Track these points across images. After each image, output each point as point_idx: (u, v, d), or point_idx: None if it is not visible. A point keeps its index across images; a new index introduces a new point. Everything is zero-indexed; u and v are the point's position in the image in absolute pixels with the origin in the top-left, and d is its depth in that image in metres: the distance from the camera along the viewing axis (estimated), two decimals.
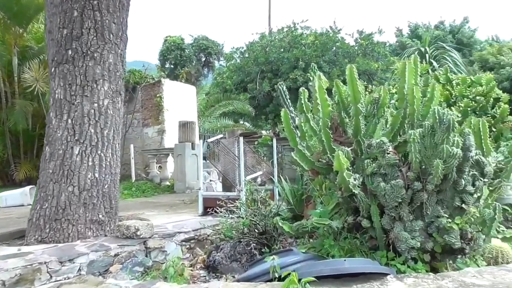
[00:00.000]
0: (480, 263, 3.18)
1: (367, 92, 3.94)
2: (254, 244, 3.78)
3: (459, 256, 3.16)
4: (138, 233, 3.83)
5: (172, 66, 28.66)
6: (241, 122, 20.68)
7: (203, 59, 30.60)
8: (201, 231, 4.27)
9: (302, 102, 3.67)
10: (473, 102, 4.37)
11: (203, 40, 29.52)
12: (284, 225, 3.63)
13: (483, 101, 4.45)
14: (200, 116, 15.38)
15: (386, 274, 2.69)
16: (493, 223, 3.16)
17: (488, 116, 4.50)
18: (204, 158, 5.67)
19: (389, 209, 3.18)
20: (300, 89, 3.75)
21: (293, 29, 18.20)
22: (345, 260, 2.74)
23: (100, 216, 4.34)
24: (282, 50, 17.65)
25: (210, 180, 10.76)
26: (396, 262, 3.11)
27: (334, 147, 3.45)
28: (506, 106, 4.48)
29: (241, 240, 3.84)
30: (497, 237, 3.24)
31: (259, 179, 5.98)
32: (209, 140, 5.15)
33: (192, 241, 4.15)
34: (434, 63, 18.51)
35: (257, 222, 3.89)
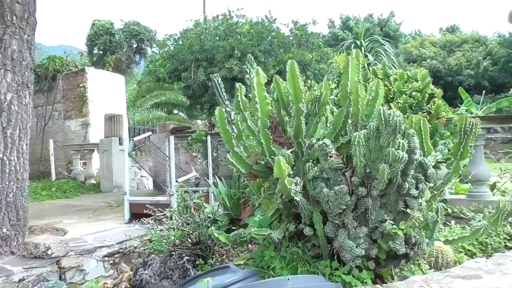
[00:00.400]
0: (423, 268, 3.09)
1: (306, 87, 3.68)
2: (187, 257, 3.40)
3: (403, 261, 3.04)
4: (49, 252, 3.27)
5: (101, 52, 26.87)
6: (176, 112, 19.93)
7: (135, 45, 29.12)
8: (127, 242, 3.79)
9: (239, 99, 3.32)
10: (410, 98, 4.32)
11: (135, 25, 28.01)
12: (220, 236, 3.28)
13: (419, 97, 4.42)
14: (130, 107, 14.43)
15: None
16: (436, 226, 3.07)
17: (423, 112, 4.48)
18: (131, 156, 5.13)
19: (332, 216, 2.96)
20: (237, 85, 3.39)
21: (228, 17, 17.80)
22: (288, 279, 2.46)
23: (4, 230, 3.70)
24: (217, 38, 17.20)
25: (141, 176, 10.10)
26: (340, 272, 2.91)
27: (273, 148, 3.15)
28: (441, 101, 4.49)
29: (173, 253, 3.44)
30: (440, 240, 3.16)
31: (193, 179, 5.57)
32: (135, 139, 4.64)
33: (116, 255, 3.66)
34: (370, 56, 19.11)
35: (190, 232, 3.50)
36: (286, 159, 2.86)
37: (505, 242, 3.83)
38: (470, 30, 33.67)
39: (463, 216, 4.33)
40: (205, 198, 4.75)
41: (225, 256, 3.94)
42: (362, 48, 21.68)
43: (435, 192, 3.04)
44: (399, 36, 31.97)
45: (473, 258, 3.60)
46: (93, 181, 9.19)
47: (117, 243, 3.70)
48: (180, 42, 18.20)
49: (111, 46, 26.80)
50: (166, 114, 16.00)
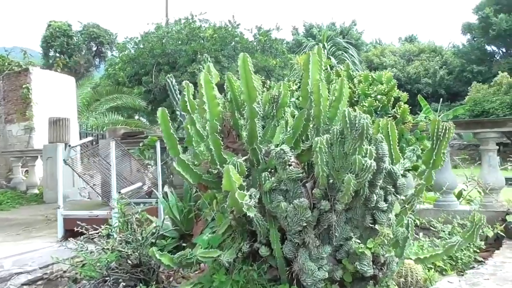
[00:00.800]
0: None
1: (265, 89, 3.30)
2: (125, 283, 2.90)
3: (370, 282, 2.69)
4: None
5: (57, 54, 25.54)
6: (137, 117, 19.15)
7: (94, 48, 27.98)
8: (54, 266, 3.23)
9: (186, 99, 2.88)
10: (376, 101, 4.03)
11: (94, 28, 26.88)
12: (163, 257, 2.81)
13: (384, 100, 4.15)
14: (83, 111, 13.56)
15: None
16: (406, 243, 2.75)
17: (389, 117, 4.21)
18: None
19: (291, 234, 2.57)
20: (183, 83, 2.96)
21: (191, 21, 17.45)
22: None
23: None
24: (179, 42, 16.83)
25: (94, 185, 9.35)
26: None
27: (225, 156, 2.74)
28: (407, 106, 4.23)
29: (107, 278, 2.93)
30: (410, 258, 2.84)
31: (145, 188, 5.04)
32: (73, 145, 4.10)
33: (39, 282, 3.09)
34: (333, 59, 19.11)
35: (130, 252, 3.01)
36: (238, 168, 2.45)
37: (475, 256, 3.58)
38: (427, 40, 34.85)
39: (431, 227, 4.07)
40: (154, 212, 4.25)
41: (172, 278, 3.46)
42: (325, 51, 21.76)
43: (406, 205, 2.71)
44: (360, 44, 32.54)
45: (443, 274, 3.33)
46: (36, 191, 8.36)
47: (41, 268, 3.13)
48: (141, 46, 17.66)
49: (69, 49, 25.56)
50: (125, 118, 15.23)
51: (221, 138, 2.96)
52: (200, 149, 3.01)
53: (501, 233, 3.72)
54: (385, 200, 2.66)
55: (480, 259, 3.62)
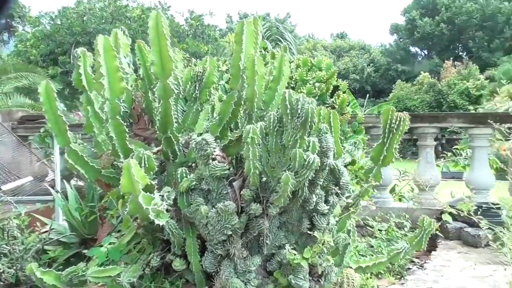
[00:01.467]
0: None
1: (189, 66, 2.73)
2: None
3: None
4: None
5: None
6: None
7: (3, 21, 25.02)
8: None
9: (81, 71, 2.22)
10: (315, 88, 3.64)
11: None
12: (47, 276, 2.16)
13: (323, 88, 3.78)
14: None
15: None
16: (347, 250, 2.38)
17: (327, 106, 3.85)
18: None
19: (213, 245, 2.07)
20: (79, 50, 2.29)
21: None
22: None
23: None
24: (103, 21, 15.59)
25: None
26: None
27: (132, 146, 2.14)
28: (346, 95, 3.91)
29: None
30: (350, 267, 2.48)
31: (49, 181, 4.20)
32: None
33: None
34: (268, 44, 18.80)
35: (2, 269, 2.30)
36: (145, 163, 1.88)
37: (411, 257, 3.35)
38: (357, 38, 36.16)
39: (365, 225, 3.80)
40: (49, 213, 3.49)
41: None
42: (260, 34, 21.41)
43: (350, 209, 2.32)
44: (294, 37, 32.79)
45: (379, 278, 3.04)
46: None
47: None
48: (58, 22, 16.23)
49: None
50: (34, 102, 13.60)
51: (129, 124, 2.36)
52: (102, 137, 2.37)
53: (438, 233, 3.54)
54: (326, 202, 2.25)
55: (415, 260, 3.41)
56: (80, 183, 3.73)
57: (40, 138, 4.68)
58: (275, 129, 1.91)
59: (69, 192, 3.30)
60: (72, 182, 4.19)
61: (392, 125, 2.17)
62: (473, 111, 14.18)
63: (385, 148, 2.22)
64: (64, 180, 3.43)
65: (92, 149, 2.45)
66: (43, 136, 4.71)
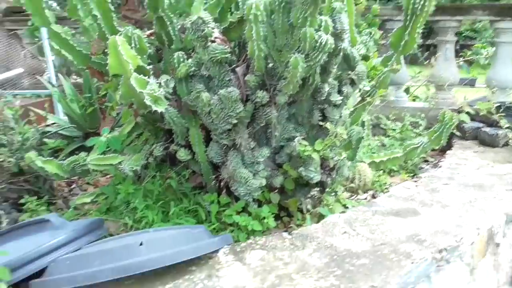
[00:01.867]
0: (341, 197, 2.31)
1: None
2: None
3: (315, 188, 2.19)
4: None
5: None
6: None
7: None
8: None
9: None
10: None
11: None
12: (48, 165, 2.12)
13: None
14: None
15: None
16: (360, 144, 2.26)
17: None
18: None
19: (218, 134, 1.95)
20: None
21: None
22: (141, 244, 1.46)
23: None
24: None
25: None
26: (232, 210, 2.00)
27: (121, 29, 1.91)
28: None
29: None
30: (364, 162, 2.38)
31: (46, 76, 4.04)
32: None
33: None
34: None
35: (2, 158, 2.27)
36: (136, 43, 1.67)
37: (425, 156, 3.26)
38: None
39: (379, 124, 3.67)
40: (48, 105, 3.40)
41: (74, 186, 2.82)
42: None
43: (366, 99, 2.14)
44: None
45: (391, 176, 2.98)
46: None
47: None
48: None
49: None
50: None
51: (117, 6, 2.11)
52: (89, 21, 2.13)
53: (454, 132, 3.39)
54: (339, 92, 2.07)
55: (430, 159, 3.33)
56: (80, 80, 3.58)
57: (29, 31, 4.41)
58: (282, 4, 1.65)
59: (64, 85, 3.17)
60: (72, 80, 4.03)
61: (415, 5, 1.87)
62: (501, 2, 13.09)
63: (407, 32, 1.95)
64: (59, 74, 3.27)
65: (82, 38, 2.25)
66: (33, 29, 4.43)
